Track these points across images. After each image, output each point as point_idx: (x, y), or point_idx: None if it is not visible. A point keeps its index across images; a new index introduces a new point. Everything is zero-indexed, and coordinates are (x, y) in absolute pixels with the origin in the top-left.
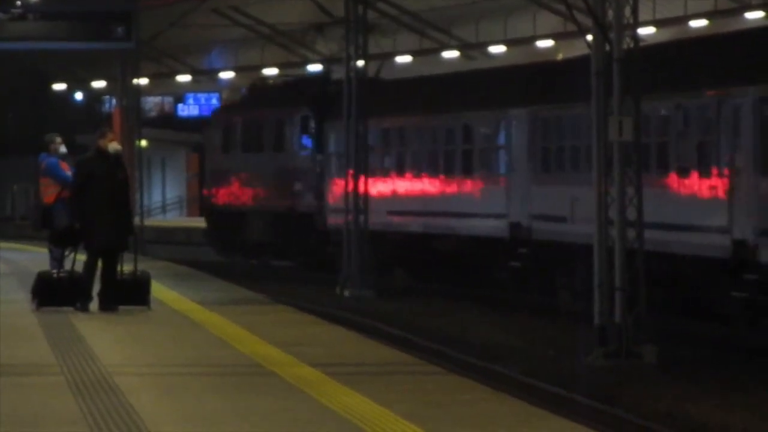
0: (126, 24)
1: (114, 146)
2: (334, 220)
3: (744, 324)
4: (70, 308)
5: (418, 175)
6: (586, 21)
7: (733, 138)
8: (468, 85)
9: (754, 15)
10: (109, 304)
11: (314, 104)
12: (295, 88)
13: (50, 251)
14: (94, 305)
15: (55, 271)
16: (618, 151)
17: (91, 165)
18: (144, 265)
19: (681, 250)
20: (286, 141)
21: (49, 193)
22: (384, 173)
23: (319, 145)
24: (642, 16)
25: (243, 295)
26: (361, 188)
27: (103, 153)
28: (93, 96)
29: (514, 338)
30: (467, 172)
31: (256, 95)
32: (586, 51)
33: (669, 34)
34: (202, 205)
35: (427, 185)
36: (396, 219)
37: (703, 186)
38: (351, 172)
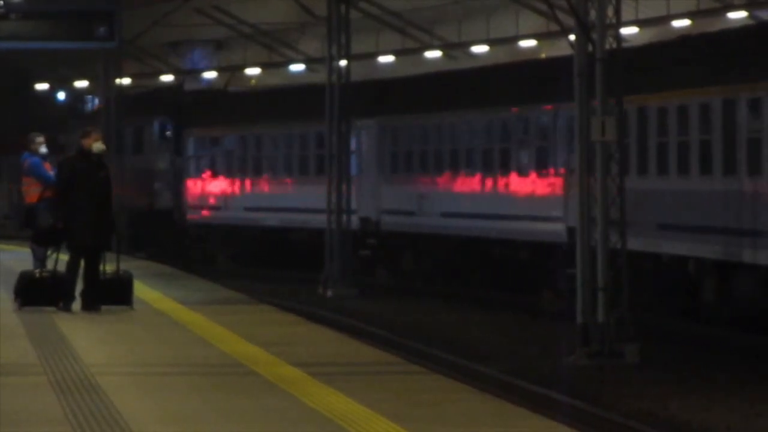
0: (108, 23)
1: (98, 146)
2: (191, 216)
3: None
4: (53, 308)
5: (274, 177)
6: (569, 21)
7: (567, 144)
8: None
9: (736, 15)
10: (91, 303)
11: (171, 112)
12: (153, 97)
13: (33, 251)
14: (76, 305)
15: (37, 270)
16: (601, 151)
17: (73, 164)
18: (126, 265)
19: (526, 237)
20: (145, 145)
21: (32, 192)
22: (242, 174)
23: (177, 148)
24: (625, 16)
25: (225, 294)
26: (344, 188)
27: (86, 152)
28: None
29: (497, 337)
30: (321, 173)
31: (118, 104)
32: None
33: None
34: None
35: (283, 185)
36: (254, 214)
37: (543, 183)
38: (208, 173)
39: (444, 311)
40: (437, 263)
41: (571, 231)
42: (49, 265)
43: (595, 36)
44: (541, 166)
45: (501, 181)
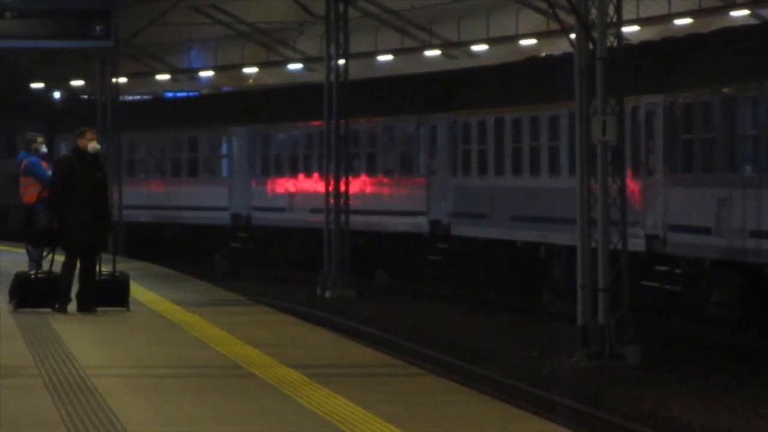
0: (105, 22)
1: (93, 146)
2: None
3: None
4: (49, 309)
5: (146, 178)
6: (570, 19)
7: (431, 148)
8: (198, 106)
9: (739, 13)
10: (87, 305)
11: (43, 119)
12: (25, 105)
13: (28, 252)
14: (72, 306)
15: (33, 271)
16: (601, 151)
17: (69, 164)
18: (122, 266)
19: (396, 229)
20: (18, 149)
21: (30, 192)
22: (129, 175)
23: (50, 154)
24: (625, 15)
25: (222, 295)
26: (342, 188)
27: (81, 152)
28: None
29: (497, 339)
30: (194, 175)
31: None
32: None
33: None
34: None
35: (160, 185)
36: (130, 212)
37: (409, 182)
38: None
39: (443, 312)
40: (306, 254)
41: (432, 223)
42: (45, 266)
43: (595, 35)
44: (407, 169)
45: (368, 181)
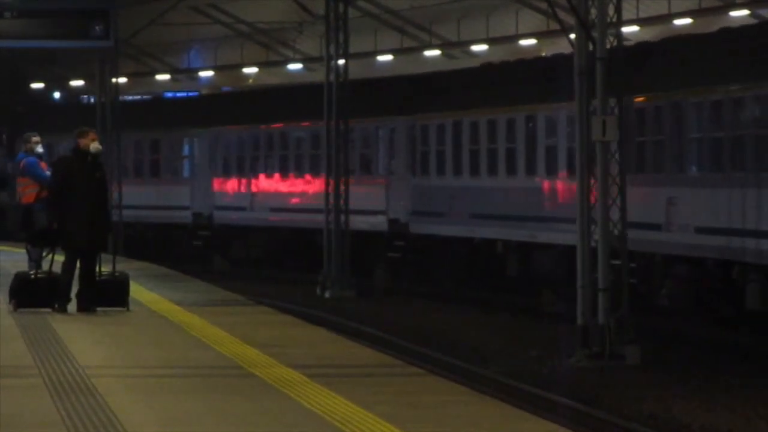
0: (104, 22)
1: (95, 146)
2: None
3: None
4: (48, 309)
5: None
6: (570, 19)
7: (389, 150)
8: (161, 109)
9: (738, 13)
10: (87, 305)
11: (4, 120)
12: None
13: (28, 252)
14: (72, 306)
15: (33, 271)
16: (600, 152)
17: (69, 164)
18: (122, 266)
19: (356, 227)
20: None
21: (28, 192)
22: None
23: (10, 153)
24: (625, 15)
25: (222, 295)
26: (342, 188)
27: (81, 152)
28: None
29: (496, 339)
30: (156, 175)
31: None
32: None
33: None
34: None
35: (124, 185)
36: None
37: (369, 182)
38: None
39: (443, 312)
40: (268, 251)
41: (391, 222)
42: (45, 266)
43: (595, 35)
44: (366, 170)
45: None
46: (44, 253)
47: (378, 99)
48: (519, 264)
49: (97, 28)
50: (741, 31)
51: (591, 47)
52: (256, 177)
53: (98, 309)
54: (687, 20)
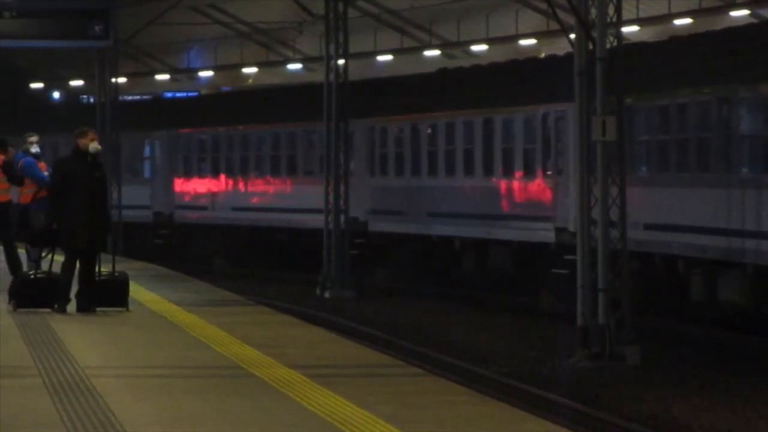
0: (104, 22)
1: (94, 146)
2: None
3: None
4: (48, 309)
5: None
6: (570, 19)
7: (348, 151)
8: (123, 112)
9: (739, 13)
10: (87, 305)
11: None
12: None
13: (27, 252)
14: (71, 306)
15: (32, 272)
16: (601, 151)
17: (69, 164)
18: (122, 266)
19: (303, 226)
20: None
21: (26, 192)
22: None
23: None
24: (625, 15)
25: (222, 296)
26: (342, 189)
27: (81, 152)
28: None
29: (496, 339)
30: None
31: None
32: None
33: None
34: None
35: None
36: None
37: (313, 183)
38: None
39: (442, 313)
40: (229, 249)
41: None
42: (44, 266)
43: (595, 35)
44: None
45: (286, 182)
46: (43, 254)
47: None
48: (476, 260)
49: (96, 27)
50: (689, 39)
51: (591, 47)
52: (217, 177)
53: (98, 309)
54: (687, 20)
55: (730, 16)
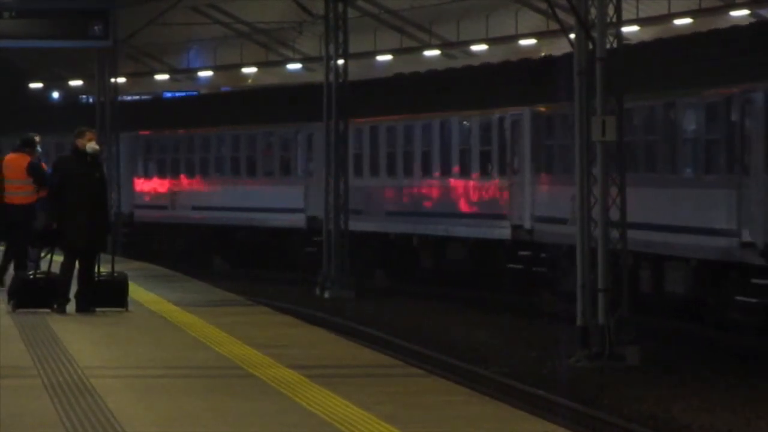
0: (103, 22)
1: (92, 146)
2: None
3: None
4: (47, 310)
5: None
6: (569, 19)
7: (308, 153)
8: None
9: (739, 13)
10: (86, 305)
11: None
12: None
13: (27, 252)
14: (71, 307)
15: (31, 272)
16: (601, 151)
17: (68, 164)
18: (121, 266)
19: (282, 225)
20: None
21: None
22: None
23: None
24: (625, 15)
25: (221, 296)
26: (342, 188)
27: (80, 152)
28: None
29: (496, 339)
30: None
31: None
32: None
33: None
34: None
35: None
36: None
37: (288, 183)
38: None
39: (442, 313)
40: (190, 246)
41: (309, 219)
42: (43, 266)
43: (595, 35)
44: (285, 171)
45: (249, 182)
46: (43, 254)
47: (297, 105)
48: (431, 256)
49: (96, 28)
50: (652, 45)
51: (591, 47)
52: (177, 178)
53: (97, 309)
54: (687, 20)
55: (730, 16)
